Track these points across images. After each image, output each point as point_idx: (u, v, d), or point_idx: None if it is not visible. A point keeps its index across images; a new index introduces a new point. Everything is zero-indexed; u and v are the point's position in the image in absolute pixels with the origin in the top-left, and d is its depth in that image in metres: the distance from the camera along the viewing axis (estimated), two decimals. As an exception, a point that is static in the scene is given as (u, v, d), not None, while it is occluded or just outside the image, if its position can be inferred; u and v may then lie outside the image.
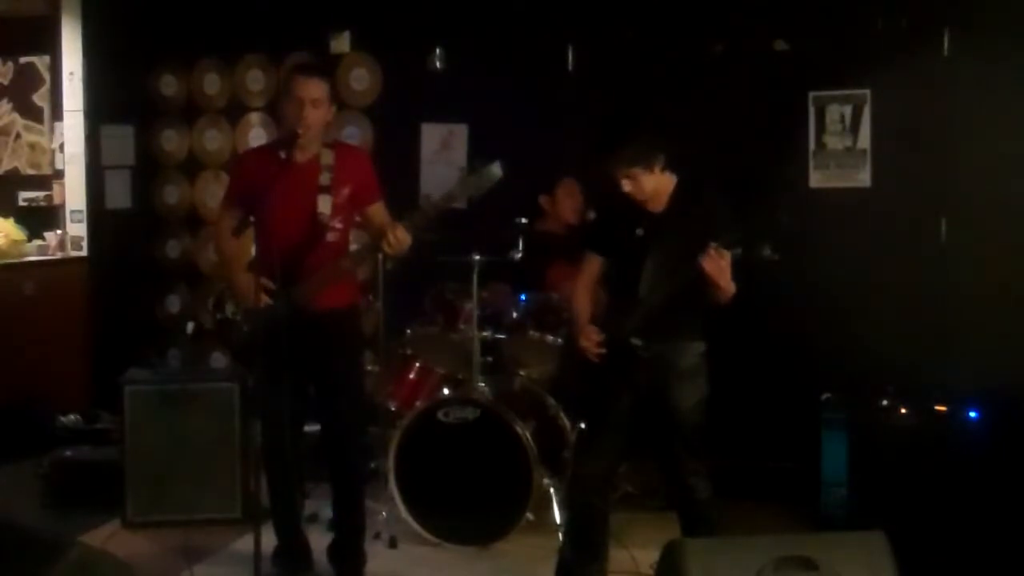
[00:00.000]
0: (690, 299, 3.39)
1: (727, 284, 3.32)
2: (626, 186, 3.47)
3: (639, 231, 3.51)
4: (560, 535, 4.00)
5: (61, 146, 6.52)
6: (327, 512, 4.35)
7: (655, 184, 3.48)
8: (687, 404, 3.52)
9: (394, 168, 5.48)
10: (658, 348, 3.46)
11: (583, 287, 3.71)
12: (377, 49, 5.87)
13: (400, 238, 3.56)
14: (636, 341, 3.44)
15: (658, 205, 3.53)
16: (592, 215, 4.75)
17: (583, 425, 3.76)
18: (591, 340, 3.52)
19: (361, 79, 5.92)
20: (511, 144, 4.75)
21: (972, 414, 4.20)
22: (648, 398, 3.51)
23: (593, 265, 3.72)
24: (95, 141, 6.43)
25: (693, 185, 3.56)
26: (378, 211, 3.88)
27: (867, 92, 4.93)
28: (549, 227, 5.09)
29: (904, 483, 4.18)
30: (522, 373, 4.75)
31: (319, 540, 4.12)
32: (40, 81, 6.58)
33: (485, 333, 4.70)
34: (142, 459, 4.60)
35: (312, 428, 4.08)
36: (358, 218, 3.93)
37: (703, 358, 3.57)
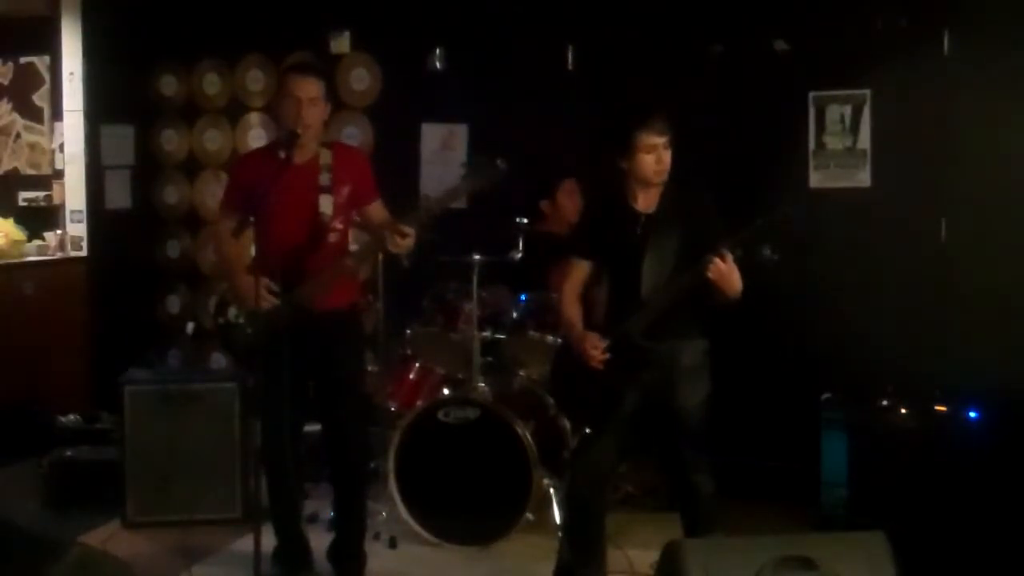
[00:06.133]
0: (695, 298, 3.40)
1: (735, 288, 3.33)
2: (663, 157, 3.44)
3: (636, 231, 3.51)
4: (560, 535, 4.00)
5: (61, 146, 6.52)
6: (327, 512, 4.36)
7: (667, 166, 3.49)
8: (692, 402, 3.54)
9: (394, 168, 5.49)
10: (663, 347, 3.47)
11: (572, 293, 3.69)
12: (377, 49, 5.87)
13: (406, 233, 3.54)
14: (642, 342, 3.44)
15: (649, 205, 3.55)
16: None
17: (588, 429, 3.74)
18: (596, 348, 3.50)
19: (361, 79, 5.91)
20: (511, 144, 4.74)
21: (972, 414, 4.19)
22: (653, 397, 3.52)
23: (580, 271, 3.71)
24: (95, 141, 6.44)
25: (682, 184, 3.57)
26: (377, 210, 3.89)
27: (867, 92, 4.92)
28: (550, 227, 5.08)
29: (904, 483, 4.18)
30: (522, 373, 4.74)
31: (319, 540, 4.12)
32: (40, 81, 6.58)
33: (485, 333, 4.70)
34: (142, 459, 4.61)
35: (312, 428, 4.08)
36: (357, 218, 3.93)
37: (706, 356, 3.59)
